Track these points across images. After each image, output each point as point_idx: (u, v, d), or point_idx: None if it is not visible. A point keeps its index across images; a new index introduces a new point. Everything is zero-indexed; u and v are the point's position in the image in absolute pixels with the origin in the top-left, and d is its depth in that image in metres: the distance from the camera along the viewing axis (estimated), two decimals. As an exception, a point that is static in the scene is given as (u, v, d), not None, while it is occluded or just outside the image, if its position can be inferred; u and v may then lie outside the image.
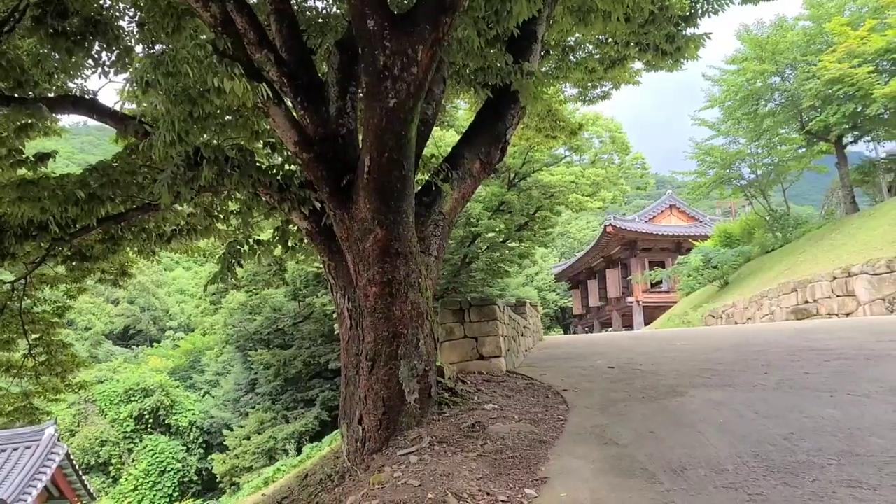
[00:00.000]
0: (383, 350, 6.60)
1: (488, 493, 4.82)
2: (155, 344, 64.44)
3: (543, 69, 12.08)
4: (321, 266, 8.02)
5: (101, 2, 7.58)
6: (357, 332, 7.06)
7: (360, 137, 7.00)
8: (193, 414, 44.94)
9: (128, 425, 42.46)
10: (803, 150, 30.03)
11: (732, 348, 10.91)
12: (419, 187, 7.83)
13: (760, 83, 28.58)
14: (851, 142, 27.90)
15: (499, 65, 8.19)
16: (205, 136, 6.53)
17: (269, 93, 5.94)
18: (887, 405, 6.25)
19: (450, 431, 6.24)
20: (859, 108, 23.78)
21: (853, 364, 8.31)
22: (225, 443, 39.01)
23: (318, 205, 7.39)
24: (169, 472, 41.61)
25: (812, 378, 7.72)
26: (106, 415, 42.80)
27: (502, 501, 4.73)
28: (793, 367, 8.52)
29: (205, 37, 7.14)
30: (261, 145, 7.75)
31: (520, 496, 4.81)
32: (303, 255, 10.07)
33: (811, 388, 7.25)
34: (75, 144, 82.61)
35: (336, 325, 33.21)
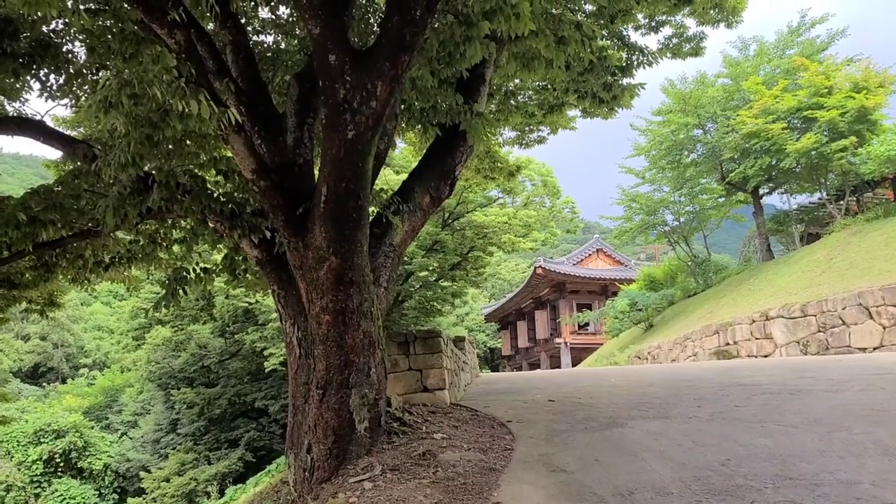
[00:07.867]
0: (335, 378, 6.62)
1: (444, 518, 4.90)
2: (69, 380, 61.34)
3: (487, 111, 12.48)
4: (270, 294, 8.00)
5: (53, 25, 7.48)
6: (307, 361, 7.06)
7: (317, 167, 7.10)
8: (109, 456, 42.68)
9: (36, 468, 40.04)
10: (723, 199, 31.67)
11: (665, 384, 11.31)
12: (370, 219, 7.96)
13: (684, 135, 30.05)
14: (767, 193, 29.47)
15: (448, 105, 8.47)
16: (159, 160, 6.51)
17: (236, 118, 6.01)
18: (813, 434, 6.65)
19: (401, 459, 6.29)
20: (774, 162, 25.23)
21: (778, 398, 8.77)
22: (142, 485, 37.24)
23: (268, 233, 7.42)
24: (79, 519, 39.36)
25: (742, 410, 8.11)
26: (12, 457, 40.29)
27: (459, 525, 4.82)
28: (723, 400, 8.93)
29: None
30: (213, 173, 7.74)
31: (475, 520, 4.91)
32: (244, 285, 10.00)
33: (742, 419, 7.62)
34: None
35: (265, 363, 32.62)
